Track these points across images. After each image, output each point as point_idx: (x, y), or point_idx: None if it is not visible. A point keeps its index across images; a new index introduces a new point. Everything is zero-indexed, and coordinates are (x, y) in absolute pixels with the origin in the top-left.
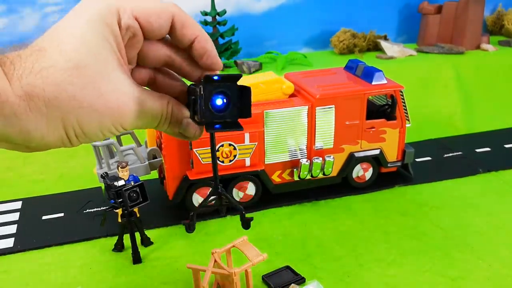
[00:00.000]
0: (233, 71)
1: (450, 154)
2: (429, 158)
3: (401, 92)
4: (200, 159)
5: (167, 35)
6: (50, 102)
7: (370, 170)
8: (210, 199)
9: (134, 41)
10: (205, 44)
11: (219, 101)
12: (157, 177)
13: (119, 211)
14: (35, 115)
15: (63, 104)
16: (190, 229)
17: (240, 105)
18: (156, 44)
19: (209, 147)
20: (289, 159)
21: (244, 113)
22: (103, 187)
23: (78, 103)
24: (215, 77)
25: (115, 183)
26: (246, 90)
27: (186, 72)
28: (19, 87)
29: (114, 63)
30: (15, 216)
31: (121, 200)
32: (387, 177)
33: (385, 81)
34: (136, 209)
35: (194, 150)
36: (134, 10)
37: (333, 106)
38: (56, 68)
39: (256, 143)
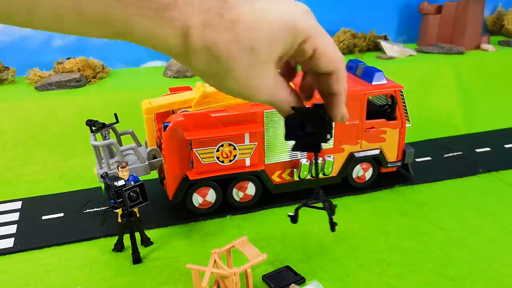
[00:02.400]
0: None
1: (450, 154)
2: (429, 158)
3: (401, 92)
4: (200, 159)
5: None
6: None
7: (370, 170)
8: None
9: (296, 58)
10: (341, 105)
11: (309, 127)
12: (157, 177)
13: (119, 211)
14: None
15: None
16: (294, 221)
17: (322, 132)
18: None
19: (209, 147)
20: (289, 159)
21: (322, 138)
22: (103, 187)
23: (231, 77)
24: (319, 104)
25: (115, 183)
26: (330, 121)
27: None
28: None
29: (275, 59)
30: (15, 216)
31: (121, 200)
32: (387, 177)
33: (385, 81)
34: (136, 209)
35: (194, 150)
36: (318, 45)
37: None
38: (239, 27)
39: (256, 143)
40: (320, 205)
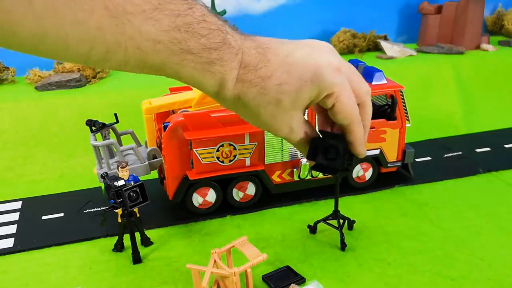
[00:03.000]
0: None
1: (450, 154)
2: (429, 158)
3: (401, 92)
4: (200, 159)
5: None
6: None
7: (370, 170)
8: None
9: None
10: (360, 148)
11: (331, 154)
12: (157, 177)
13: (119, 211)
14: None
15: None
16: (312, 232)
17: (340, 159)
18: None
19: (209, 147)
20: (289, 159)
21: (340, 165)
22: (103, 187)
23: (258, 115)
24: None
25: (115, 183)
26: (349, 151)
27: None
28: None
29: (303, 107)
30: (15, 216)
31: (121, 200)
32: (387, 177)
33: (385, 81)
34: (136, 209)
35: (194, 150)
36: (338, 101)
37: None
38: (269, 83)
39: (256, 143)
40: (335, 223)
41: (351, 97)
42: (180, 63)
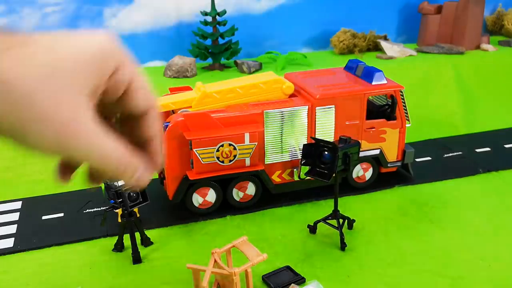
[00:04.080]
0: (233, 71)
1: (450, 154)
2: (429, 158)
3: (401, 92)
4: (200, 159)
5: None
6: (3, 89)
7: (370, 170)
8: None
9: (111, 94)
10: (158, 149)
11: (325, 158)
12: (157, 177)
13: (119, 211)
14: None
15: (17, 97)
16: (312, 231)
17: (333, 164)
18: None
19: (209, 147)
20: (289, 159)
21: (332, 169)
22: (103, 187)
23: (31, 102)
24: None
25: (115, 183)
26: (348, 158)
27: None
28: None
29: (86, 93)
30: (15, 216)
31: (121, 200)
32: (387, 177)
33: (385, 81)
34: (136, 209)
35: (194, 150)
36: (132, 76)
37: (333, 106)
38: (34, 60)
39: (256, 143)
40: (334, 223)
41: (143, 76)
42: None
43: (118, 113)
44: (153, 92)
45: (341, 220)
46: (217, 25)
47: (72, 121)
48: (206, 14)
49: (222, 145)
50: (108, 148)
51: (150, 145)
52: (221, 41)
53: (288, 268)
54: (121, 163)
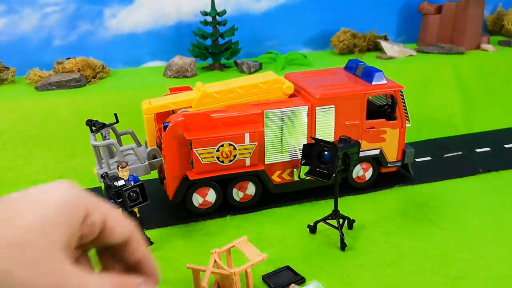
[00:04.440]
0: (233, 71)
1: (450, 154)
2: (429, 158)
3: (401, 92)
4: (200, 159)
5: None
6: None
7: (370, 170)
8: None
9: (87, 236)
10: (149, 268)
11: (325, 158)
12: (157, 177)
13: None
14: None
15: None
16: (312, 231)
17: (332, 164)
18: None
19: (209, 147)
20: (289, 159)
21: (332, 169)
22: (103, 187)
23: (10, 281)
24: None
25: (115, 183)
26: (348, 158)
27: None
28: None
29: (62, 248)
30: None
31: (121, 200)
32: (387, 177)
33: (385, 81)
34: (136, 209)
35: (194, 150)
36: (104, 215)
37: (333, 106)
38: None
39: (256, 143)
40: (334, 223)
41: (114, 208)
42: None
43: (94, 248)
44: (128, 221)
45: (341, 220)
46: (217, 25)
47: (60, 284)
48: (206, 14)
49: (222, 145)
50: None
51: (143, 267)
52: (221, 41)
53: (288, 268)
54: None
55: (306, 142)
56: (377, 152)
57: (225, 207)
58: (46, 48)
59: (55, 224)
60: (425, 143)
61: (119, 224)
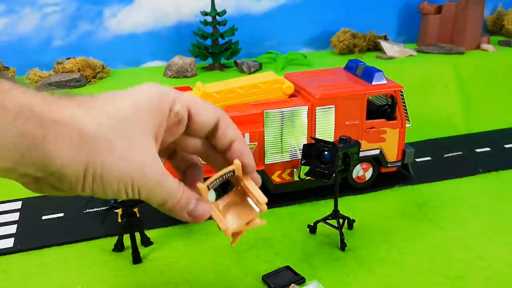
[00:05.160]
0: (233, 71)
1: (450, 154)
2: (429, 158)
3: (401, 92)
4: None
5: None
6: (84, 136)
7: (370, 170)
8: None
9: (178, 127)
10: (243, 147)
11: (325, 158)
12: None
13: (119, 211)
14: (64, 142)
15: (97, 142)
16: (312, 232)
17: (332, 164)
18: (195, 140)
19: None
20: (289, 159)
21: (331, 169)
22: None
23: (111, 147)
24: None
25: None
26: (348, 157)
27: (212, 162)
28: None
29: (152, 134)
30: (15, 216)
31: (121, 200)
32: (387, 177)
33: (385, 81)
34: (136, 209)
35: None
36: (188, 102)
37: (333, 106)
38: (103, 111)
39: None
40: (334, 223)
41: (196, 97)
42: None
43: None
44: (214, 106)
45: (341, 220)
46: (217, 25)
47: (146, 163)
48: (206, 14)
49: None
50: (170, 185)
51: (234, 150)
52: (221, 41)
53: (288, 268)
54: (177, 197)
55: (306, 142)
56: (377, 152)
57: None
58: (46, 48)
59: (146, 110)
60: (425, 143)
61: (204, 108)
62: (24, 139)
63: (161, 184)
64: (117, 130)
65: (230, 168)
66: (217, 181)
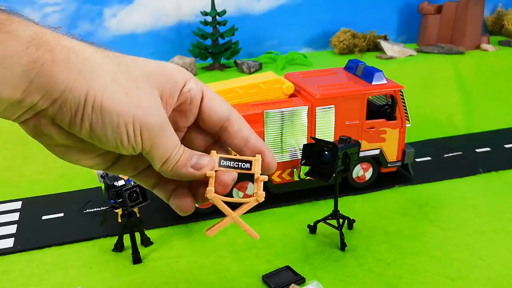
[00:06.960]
0: (233, 71)
1: (450, 154)
2: (429, 158)
3: (401, 92)
4: None
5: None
6: (90, 63)
7: (370, 170)
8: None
9: (190, 108)
10: (262, 145)
11: (325, 158)
12: None
13: (119, 211)
14: (70, 66)
15: (102, 70)
16: (312, 232)
17: (333, 164)
18: (204, 138)
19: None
20: (289, 159)
21: (331, 169)
22: (103, 187)
23: (115, 78)
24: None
25: (115, 183)
26: (348, 158)
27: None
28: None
29: (158, 92)
30: (15, 216)
31: (121, 200)
32: (387, 177)
33: (385, 81)
34: (136, 209)
35: None
36: (203, 86)
37: (333, 106)
38: (113, 54)
39: None
40: (334, 223)
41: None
42: None
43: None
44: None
45: (341, 220)
46: (217, 25)
47: (150, 105)
48: (206, 14)
49: None
50: (174, 135)
51: (248, 146)
52: (221, 41)
53: (288, 268)
54: (180, 151)
55: (306, 142)
56: (377, 152)
57: None
58: None
59: (158, 73)
60: (425, 143)
61: (218, 97)
62: (35, 64)
63: (165, 129)
64: (123, 70)
65: (250, 158)
66: (231, 163)
